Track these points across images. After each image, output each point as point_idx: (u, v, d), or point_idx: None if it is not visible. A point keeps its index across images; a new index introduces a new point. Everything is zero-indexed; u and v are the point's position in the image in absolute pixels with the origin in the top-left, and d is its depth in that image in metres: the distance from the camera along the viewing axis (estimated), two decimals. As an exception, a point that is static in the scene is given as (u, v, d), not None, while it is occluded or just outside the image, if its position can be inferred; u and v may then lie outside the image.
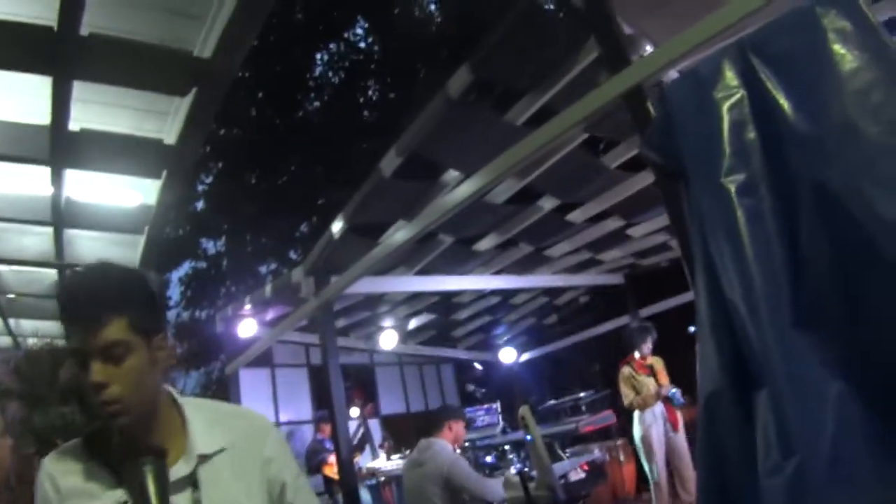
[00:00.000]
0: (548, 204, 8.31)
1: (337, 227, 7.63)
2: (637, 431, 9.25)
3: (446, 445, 6.30)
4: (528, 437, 4.99)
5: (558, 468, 5.86)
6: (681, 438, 9.11)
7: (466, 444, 9.90)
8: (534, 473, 5.58)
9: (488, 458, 9.90)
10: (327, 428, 11.31)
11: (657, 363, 9.54)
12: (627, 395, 9.40)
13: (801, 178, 2.25)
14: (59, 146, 7.81)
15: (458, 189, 6.08)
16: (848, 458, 1.99)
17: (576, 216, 8.91)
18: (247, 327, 11.09)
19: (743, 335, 2.22)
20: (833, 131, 2.21)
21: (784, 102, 2.35)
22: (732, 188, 2.37)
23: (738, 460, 2.24)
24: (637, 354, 9.52)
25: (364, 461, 11.31)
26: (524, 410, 4.81)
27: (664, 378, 9.38)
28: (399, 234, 6.94)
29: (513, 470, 6.85)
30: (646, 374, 9.29)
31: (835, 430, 2.00)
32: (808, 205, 2.21)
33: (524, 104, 6.41)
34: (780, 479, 2.05)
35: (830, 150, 2.20)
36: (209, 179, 25.06)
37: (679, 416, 9.21)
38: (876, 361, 2.04)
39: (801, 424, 2.06)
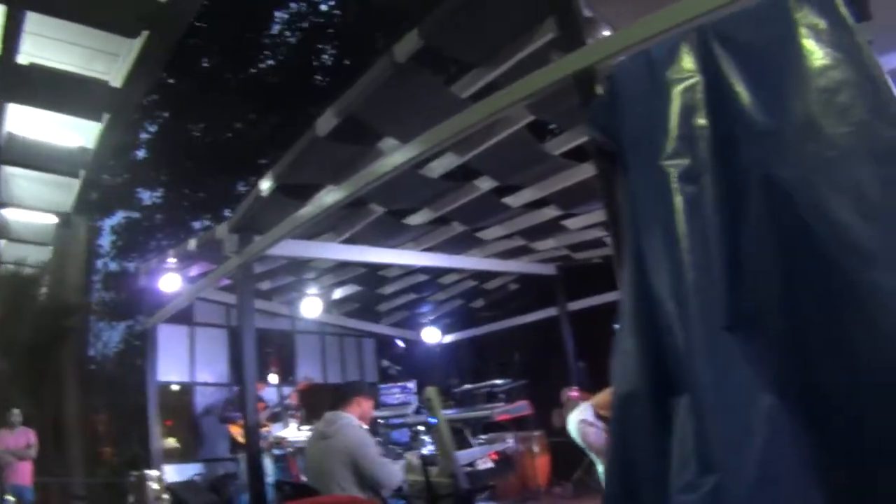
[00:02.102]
0: (485, 184, 8.13)
1: (265, 185, 7.36)
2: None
3: (353, 420, 6.12)
4: (433, 420, 4.79)
5: (467, 455, 5.70)
6: None
7: (380, 421, 9.74)
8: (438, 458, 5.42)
9: (399, 437, 9.76)
10: (262, 385, 11.18)
11: None
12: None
13: (751, 170, 2.09)
14: (5, 78, 7.56)
15: (392, 156, 5.87)
16: (775, 482, 1.78)
17: (513, 200, 8.72)
18: (170, 281, 10.80)
19: (668, 334, 2.02)
20: (793, 127, 2.07)
21: (743, 92, 2.21)
22: (673, 172, 2.20)
23: (650, 471, 2.05)
24: None
25: (277, 431, 11.11)
26: (430, 392, 4.61)
27: None
28: (327, 197, 6.71)
29: (425, 451, 6.68)
30: None
31: (762, 449, 1.80)
32: (756, 199, 2.04)
33: (472, 77, 6.22)
34: (694, 497, 1.84)
35: (788, 145, 2.05)
36: (153, 128, 24.72)
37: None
38: (816, 376, 1.86)
39: (724, 439, 1.85)
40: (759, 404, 1.85)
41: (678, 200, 2.14)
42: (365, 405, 6.33)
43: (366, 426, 6.36)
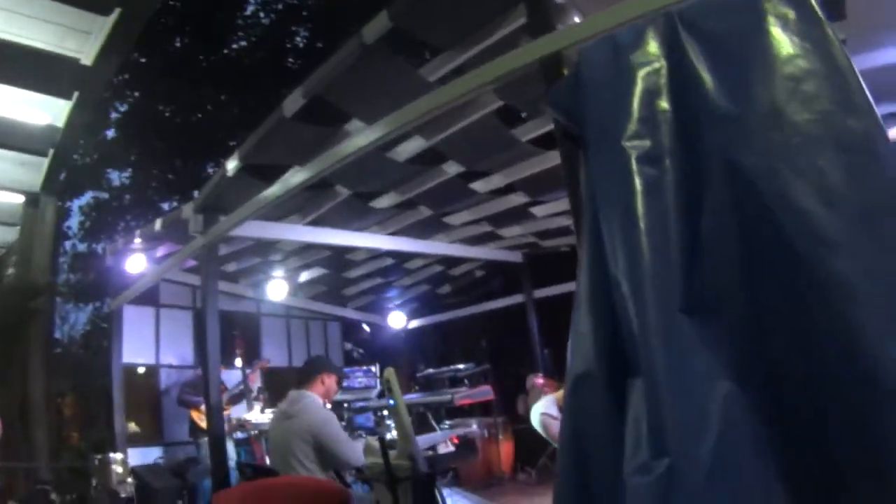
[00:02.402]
0: (452, 169, 8.09)
1: (231, 164, 7.30)
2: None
3: (317, 399, 6.10)
4: (392, 402, 4.76)
5: (428, 439, 5.67)
6: None
7: (345, 405, 9.72)
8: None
9: (364, 421, 9.73)
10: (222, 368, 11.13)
11: None
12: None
13: (714, 155, 2.08)
14: None
15: (357, 137, 5.84)
16: (729, 470, 1.77)
17: (480, 186, 8.70)
18: (135, 262, 10.75)
19: (623, 315, 2.01)
20: (757, 114, 2.06)
21: (707, 78, 2.20)
22: (634, 153, 2.19)
23: (604, 453, 2.03)
24: None
25: (238, 412, 11.05)
26: (388, 373, 4.58)
27: None
28: (293, 178, 6.68)
29: (389, 436, 6.67)
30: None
31: (717, 436, 1.79)
32: (718, 184, 2.03)
33: (440, 61, 6.20)
34: (646, 479, 1.82)
35: (751, 131, 2.05)
36: (123, 108, 24.40)
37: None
38: (776, 365, 1.84)
39: (679, 423, 1.83)
40: (717, 390, 1.83)
41: (638, 182, 2.13)
42: (329, 382, 6.31)
43: (329, 404, 6.34)
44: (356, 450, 5.75)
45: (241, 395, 11.36)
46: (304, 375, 6.44)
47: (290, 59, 23.63)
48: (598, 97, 2.44)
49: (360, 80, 5.99)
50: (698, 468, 1.76)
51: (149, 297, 12.81)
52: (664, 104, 2.28)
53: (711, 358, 1.87)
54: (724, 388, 1.83)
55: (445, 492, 7.46)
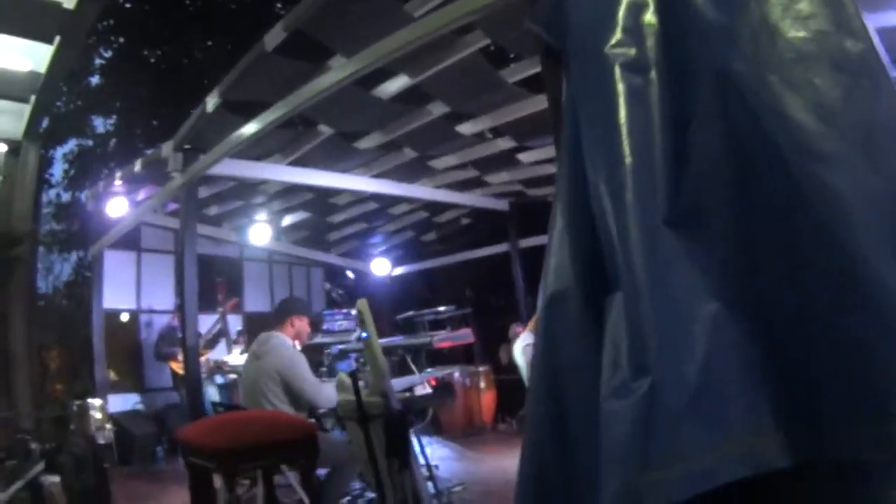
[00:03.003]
0: (437, 110, 7.93)
1: (211, 100, 7.14)
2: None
3: (286, 340, 6.04)
4: (364, 334, 4.65)
5: (405, 381, 5.60)
6: None
7: (325, 350, 9.64)
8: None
9: (345, 367, 9.62)
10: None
11: None
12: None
13: (702, 66, 1.94)
14: None
15: (336, 70, 5.68)
16: (715, 395, 1.63)
17: (466, 128, 8.54)
18: (116, 206, 10.59)
19: (603, 224, 1.87)
20: (748, 26, 1.93)
21: None
22: (618, 60, 2.05)
23: (579, 379, 1.90)
24: None
25: (217, 356, 10.98)
26: (361, 304, 4.45)
27: None
28: (272, 114, 6.54)
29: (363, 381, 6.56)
30: None
31: (704, 356, 1.64)
32: (706, 95, 1.89)
33: (425, -5, 6.02)
34: (625, 402, 1.68)
35: (742, 42, 1.91)
36: (108, 54, 23.98)
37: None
38: (763, 285, 1.71)
39: (663, 340, 1.69)
40: (704, 309, 1.69)
41: (621, 88, 1.99)
42: (299, 325, 6.25)
43: (300, 346, 6.28)
44: (323, 390, 5.71)
45: (217, 337, 11.28)
46: (275, 317, 6.42)
47: (279, 4, 23.31)
48: (582, 10, 2.31)
49: (342, 13, 5.81)
50: (683, 390, 1.62)
51: (130, 242, 12.75)
52: (650, 17, 2.13)
53: (698, 275, 1.73)
54: (711, 308, 1.69)
55: (425, 439, 7.42)
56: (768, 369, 1.67)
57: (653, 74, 2.01)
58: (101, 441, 9.75)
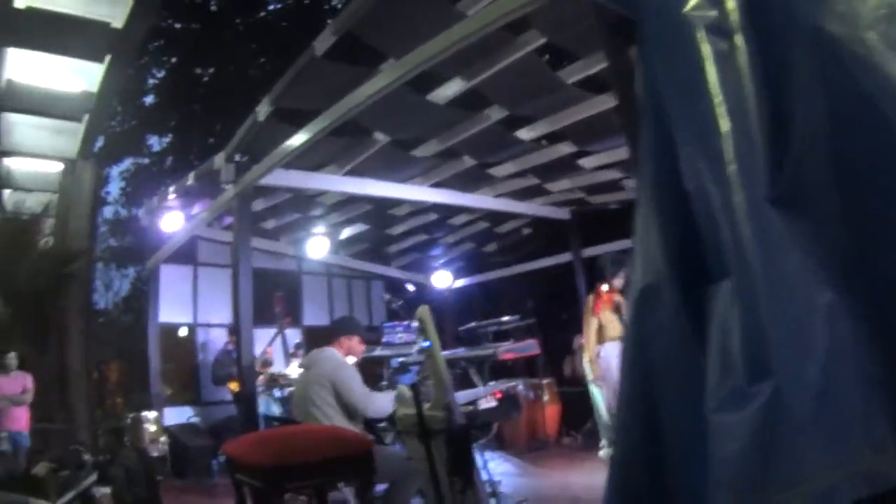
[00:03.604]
0: (495, 114, 7.72)
1: (262, 109, 7.01)
2: (589, 370, 8.90)
3: (335, 352, 6.02)
4: (427, 343, 4.42)
5: (469, 394, 5.38)
6: None
7: (384, 363, 9.48)
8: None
9: (406, 381, 9.42)
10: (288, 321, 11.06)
11: (623, 304, 8.90)
12: (585, 328, 9.02)
13: (791, 26, 1.69)
14: (1, 23, 7.45)
15: (386, 73, 5.50)
16: (837, 400, 1.36)
17: (525, 133, 8.32)
18: (171, 220, 10.55)
19: (702, 202, 1.61)
20: None
21: None
22: (700, 23, 1.79)
23: (677, 383, 1.64)
24: (605, 287, 8.95)
25: (276, 370, 10.90)
26: (421, 311, 4.25)
27: None
28: (324, 120, 6.38)
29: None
30: (611, 310, 8.76)
31: (826, 354, 1.38)
32: (799, 56, 1.64)
33: (479, -7, 5.82)
34: (741, 413, 1.41)
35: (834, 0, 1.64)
36: (161, 73, 24.40)
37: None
38: (877, 274, 1.44)
39: (784, 336, 1.42)
40: (818, 298, 1.43)
41: (707, 51, 1.74)
42: (348, 344, 6.22)
43: (352, 361, 6.18)
44: (374, 400, 5.61)
45: (269, 360, 11.23)
46: (328, 334, 6.41)
47: (329, 21, 23.32)
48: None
49: (391, 15, 5.67)
50: (806, 395, 1.36)
51: (187, 256, 12.82)
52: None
53: (807, 260, 1.46)
54: (825, 296, 1.43)
55: (487, 454, 7.19)
56: (885, 371, 1.41)
57: (737, 38, 1.76)
58: (155, 453, 9.74)
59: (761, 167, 1.54)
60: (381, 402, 5.47)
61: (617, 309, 8.71)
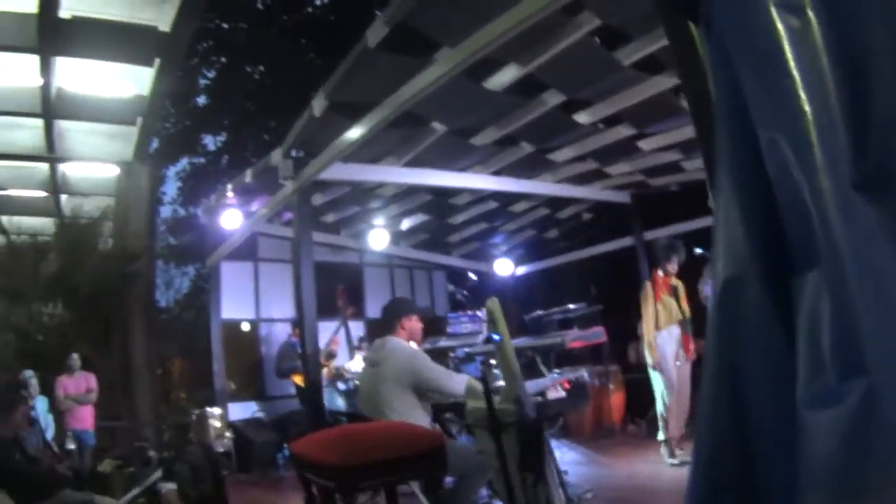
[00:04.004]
0: (553, 99, 7.64)
1: (317, 103, 6.99)
2: (648, 356, 8.78)
3: (401, 342, 5.82)
4: (496, 337, 4.36)
5: (536, 384, 5.29)
6: (687, 368, 8.64)
7: (450, 354, 9.44)
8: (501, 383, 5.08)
9: (472, 372, 9.39)
10: (351, 311, 11.14)
11: (681, 286, 8.92)
12: (643, 315, 8.94)
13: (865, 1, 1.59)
14: (47, 34, 7.54)
15: (441, 62, 5.43)
16: None
17: (583, 118, 8.22)
18: (230, 218, 10.63)
19: (787, 186, 1.52)
20: None
21: None
22: (771, 1, 1.70)
23: (765, 379, 1.55)
24: (661, 273, 8.90)
25: (339, 363, 10.90)
26: (492, 303, 4.19)
27: (685, 302, 8.82)
28: (381, 113, 6.34)
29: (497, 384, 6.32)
30: (668, 294, 8.72)
31: None
32: (875, 32, 1.53)
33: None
34: (835, 412, 1.32)
35: None
36: (211, 74, 24.71)
37: (693, 344, 8.72)
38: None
39: (877, 331, 1.33)
40: None
41: (781, 28, 1.64)
42: (409, 325, 6.01)
43: (416, 346, 6.05)
44: (455, 378, 5.48)
45: (333, 351, 11.23)
46: (384, 322, 6.18)
47: (378, 13, 23.32)
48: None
49: (444, 2, 5.58)
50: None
51: (247, 253, 12.93)
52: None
53: (893, 249, 1.36)
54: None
55: (553, 443, 7.13)
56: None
57: (810, 14, 1.67)
58: (220, 449, 9.84)
59: (845, 151, 1.45)
60: (462, 379, 5.34)
61: (674, 293, 8.65)
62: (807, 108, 1.51)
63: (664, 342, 8.54)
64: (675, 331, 8.63)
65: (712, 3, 1.96)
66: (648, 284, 8.89)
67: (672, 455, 8.31)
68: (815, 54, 1.59)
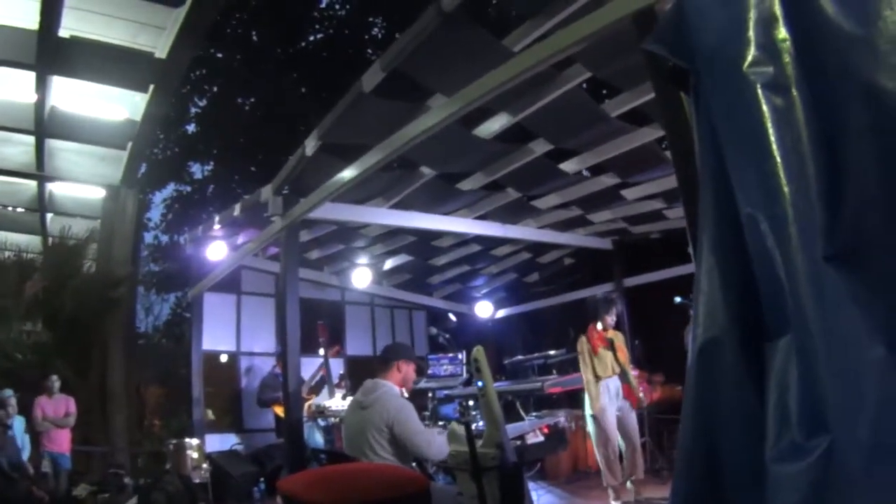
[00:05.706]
0: (540, 147, 7.79)
1: (310, 144, 7.10)
2: (587, 407, 8.78)
3: (393, 388, 5.77)
4: (480, 384, 4.45)
5: (516, 428, 5.40)
6: (632, 416, 8.65)
7: (429, 394, 9.50)
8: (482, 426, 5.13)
9: (448, 412, 9.48)
10: (337, 349, 11.13)
11: (617, 338, 8.87)
12: (581, 367, 8.93)
13: (845, 80, 1.74)
14: (46, 51, 7.62)
15: (437, 110, 5.56)
16: (887, 453, 1.40)
17: (569, 166, 8.37)
18: (216, 250, 10.72)
19: (763, 259, 1.65)
20: (884, 36, 1.71)
21: (825, 1, 1.83)
22: (758, 81, 1.85)
23: (737, 434, 1.67)
24: (599, 326, 8.93)
25: (320, 400, 10.92)
26: (477, 352, 4.29)
27: (623, 354, 8.75)
28: (373, 157, 6.46)
29: (475, 426, 6.37)
30: (604, 347, 8.74)
31: (876, 409, 1.41)
32: (854, 110, 1.68)
33: (526, 29, 5.93)
34: (799, 466, 1.45)
35: (882, 53, 1.69)
36: (203, 102, 24.84)
37: (641, 393, 8.77)
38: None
39: (837, 392, 1.46)
40: (869, 355, 1.46)
41: (766, 109, 1.79)
42: (406, 370, 5.98)
43: (407, 393, 6.06)
44: (434, 442, 5.40)
45: (319, 386, 11.23)
46: (380, 363, 6.14)
47: (369, 50, 23.55)
48: (707, 28, 2.14)
49: (439, 51, 5.71)
50: (860, 450, 1.39)
51: (230, 285, 12.92)
52: (782, 33, 1.94)
53: (860, 316, 1.49)
54: (876, 352, 1.46)
55: (530, 485, 7.19)
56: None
57: (794, 92, 1.81)
58: (197, 480, 9.81)
59: (818, 226, 1.58)
60: (442, 444, 5.29)
61: (610, 346, 8.67)
62: (785, 189, 1.65)
63: (602, 393, 8.52)
64: (613, 383, 8.59)
65: (700, 77, 2.09)
66: (584, 338, 8.86)
67: (617, 499, 8.32)
68: (797, 134, 1.72)
